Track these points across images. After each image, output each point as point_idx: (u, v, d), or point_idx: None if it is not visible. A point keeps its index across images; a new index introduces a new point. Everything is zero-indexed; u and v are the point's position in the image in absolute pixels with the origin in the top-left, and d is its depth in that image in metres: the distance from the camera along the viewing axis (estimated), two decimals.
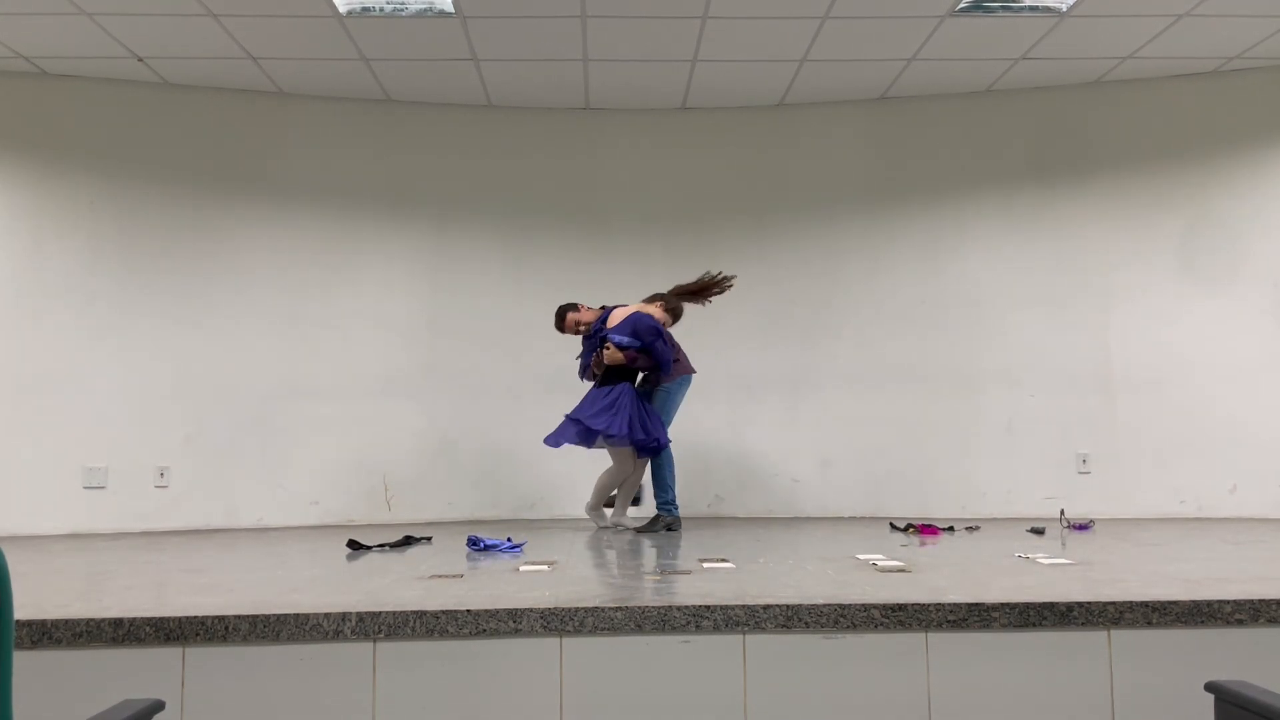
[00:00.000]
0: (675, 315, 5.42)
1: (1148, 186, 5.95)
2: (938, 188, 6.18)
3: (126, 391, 5.68)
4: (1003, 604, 2.52)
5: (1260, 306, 5.74)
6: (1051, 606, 2.52)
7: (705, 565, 3.49)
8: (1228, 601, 2.53)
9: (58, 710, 2.36)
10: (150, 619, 2.46)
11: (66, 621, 2.44)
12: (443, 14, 5.03)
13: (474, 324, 6.17)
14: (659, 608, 2.50)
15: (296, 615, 2.47)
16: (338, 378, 5.98)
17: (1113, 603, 2.53)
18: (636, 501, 5.48)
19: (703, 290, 5.40)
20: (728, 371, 6.17)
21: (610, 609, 2.50)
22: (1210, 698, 1.79)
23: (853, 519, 5.86)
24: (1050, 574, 3.19)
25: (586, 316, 5.32)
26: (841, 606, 2.51)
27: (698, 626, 2.50)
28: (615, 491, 5.25)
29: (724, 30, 5.23)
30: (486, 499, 6.05)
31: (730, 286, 5.42)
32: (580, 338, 5.33)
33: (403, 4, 4.96)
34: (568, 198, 6.32)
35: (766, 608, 2.51)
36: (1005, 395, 5.98)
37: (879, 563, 3.50)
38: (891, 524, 5.23)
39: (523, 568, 3.49)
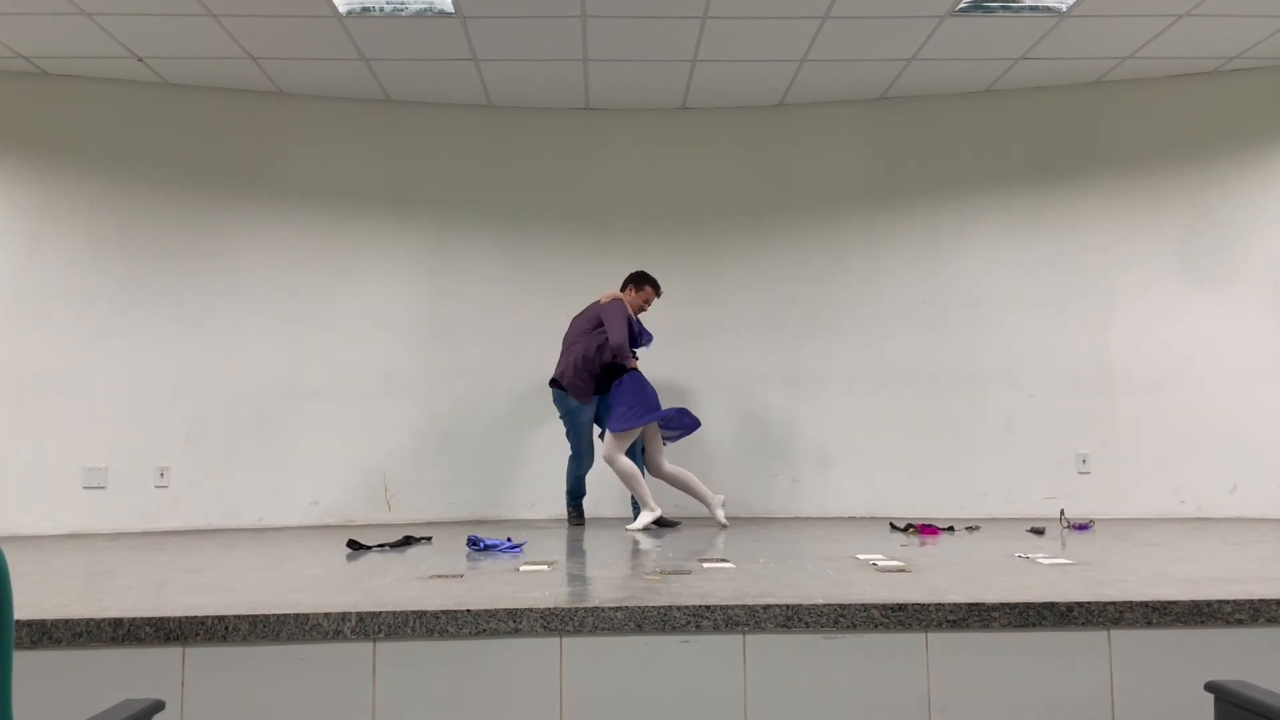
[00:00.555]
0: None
1: (1148, 186, 5.95)
2: (938, 188, 6.19)
3: (126, 391, 5.69)
4: (1003, 604, 2.53)
5: (1260, 306, 5.74)
6: (1051, 606, 2.52)
7: (705, 565, 3.49)
8: (1228, 601, 2.53)
9: (58, 710, 2.36)
10: (150, 619, 2.46)
11: (66, 621, 2.44)
12: (443, 14, 5.03)
13: (474, 324, 6.17)
14: (659, 608, 2.50)
15: (296, 615, 2.47)
16: (338, 377, 5.98)
17: (1113, 603, 2.53)
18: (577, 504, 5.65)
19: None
20: (728, 371, 6.18)
21: (610, 609, 2.50)
22: (1210, 698, 1.79)
23: (853, 519, 5.86)
24: (1050, 574, 3.19)
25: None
26: (841, 606, 2.51)
27: (698, 626, 2.50)
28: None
29: (724, 30, 5.23)
30: (486, 499, 6.05)
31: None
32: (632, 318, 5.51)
33: (403, 4, 4.96)
34: (568, 198, 6.32)
35: (766, 608, 2.51)
36: (1005, 395, 5.98)
37: (879, 563, 3.50)
38: (891, 524, 5.23)
39: (523, 568, 3.49)
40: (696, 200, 6.33)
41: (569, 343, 5.44)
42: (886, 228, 6.21)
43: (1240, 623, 2.53)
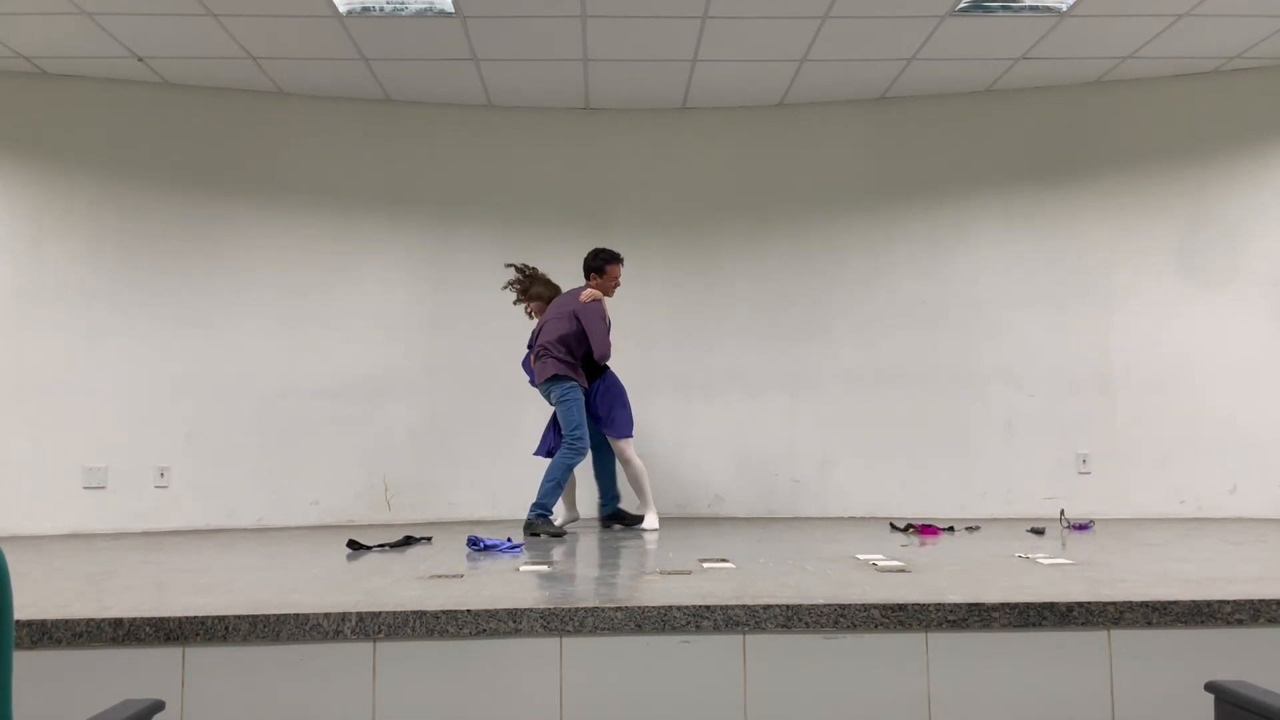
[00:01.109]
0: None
1: (1148, 186, 5.95)
2: (938, 188, 6.18)
3: (126, 391, 5.68)
4: (1003, 604, 2.53)
5: (1260, 306, 5.74)
6: (1051, 606, 2.52)
7: (705, 565, 3.49)
8: (1228, 601, 2.53)
9: (58, 710, 2.36)
10: (150, 619, 2.46)
11: (66, 621, 2.44)
12: (443, 14, 5.03)
13: (474, 323, 6.17)
14: (659, 608, 2.50)
15: (296, 615, 2.47)
16: (338, 378, 5.98)
17: (1113, 603, 2.53)
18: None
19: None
20: (728, 371, 6.18)
21: (610, 609, 2.50)
22: (1210, 698, 1.79)
23: (853, 519, 5.86)
24: (1050, 574, 3.19)
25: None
26: (841, 606, 2.51)
27: (698, 626, 2.50)
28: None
29: (724, 30, 5.22)
30: (486, 499, 6.05)
31: (512, 280, 5.57)
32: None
33: (403, 4, 4.96)
34: (568, 198, 6.32)
35: (766, 608, 2.51)
36: (1005, 395, 5.98)
37: (879, 563, 3.51)
38: (891, 524, 5.23)
39: (523, 568, 3.49)
40: (696, 200, 6.33)
41: (545, 342, 5.16)
42: (887, 227, 6.21)
43: (1240, 623, 2.53)
